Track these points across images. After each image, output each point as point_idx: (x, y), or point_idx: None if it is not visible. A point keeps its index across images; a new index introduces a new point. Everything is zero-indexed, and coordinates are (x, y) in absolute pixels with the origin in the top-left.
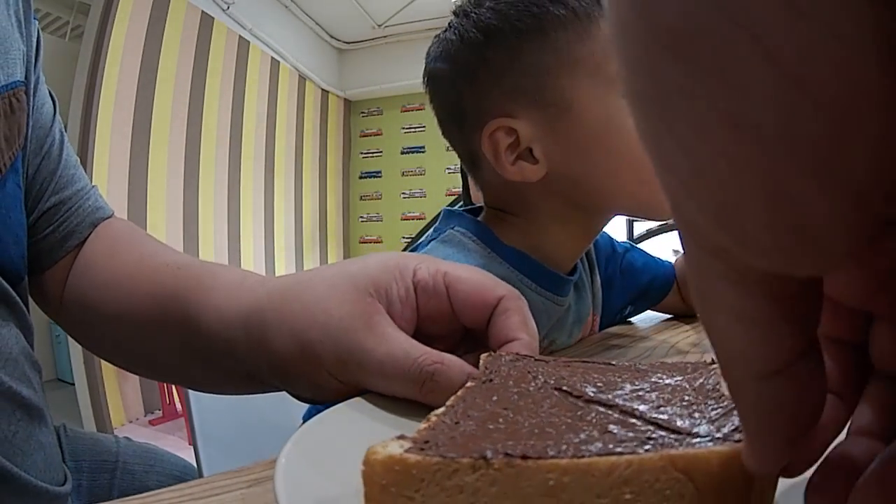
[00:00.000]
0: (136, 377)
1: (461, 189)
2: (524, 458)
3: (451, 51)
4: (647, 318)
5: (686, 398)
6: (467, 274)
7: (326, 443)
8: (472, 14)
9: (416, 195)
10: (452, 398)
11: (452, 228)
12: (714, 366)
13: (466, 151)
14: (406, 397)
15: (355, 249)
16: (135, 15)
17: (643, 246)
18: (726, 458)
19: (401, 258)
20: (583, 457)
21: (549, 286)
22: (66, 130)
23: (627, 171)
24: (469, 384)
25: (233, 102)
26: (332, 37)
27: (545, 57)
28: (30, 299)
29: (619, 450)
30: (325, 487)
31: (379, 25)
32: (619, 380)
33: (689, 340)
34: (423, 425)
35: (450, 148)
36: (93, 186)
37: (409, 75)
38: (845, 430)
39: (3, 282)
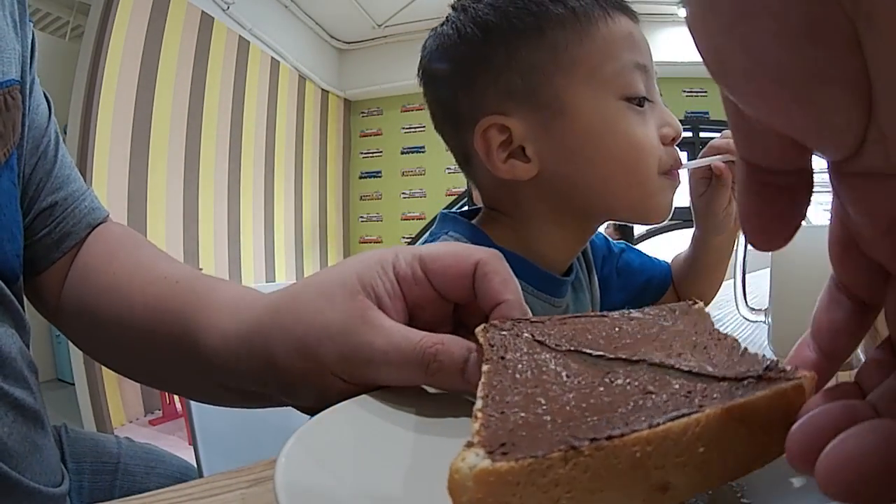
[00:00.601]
0: None
1: (463, 189)
2: (609, 438)
3: (447, 46)
4: None
5: (695, 340)
6: (441, 250)
7: (326, 442)
8: (471, 9)
9: (416, 195)
10: (481, 388)
11: (447, 234)
12: (697, 305)
13: (459, 148)
14: (415, 384)
15: (355, 249)
16: (135, 15)
17: (642, 246)
18: (770, 401)
19: (380, 254)
20: (658, 424)
21: (544, 287)
22: (65, 131)
23: (620, 174)
24: (485, 368)
25: (233, 102)
26: (332, 37)
27: (542, 56)
28: (25, 300)
29: (684, 410)
30: (325, 487)
31: (379, 25)
32: (624, 331)
33: None
34: (474, 425)
35: None
36: (88, 188)
37: (409, 75)
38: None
39: (1, 283)
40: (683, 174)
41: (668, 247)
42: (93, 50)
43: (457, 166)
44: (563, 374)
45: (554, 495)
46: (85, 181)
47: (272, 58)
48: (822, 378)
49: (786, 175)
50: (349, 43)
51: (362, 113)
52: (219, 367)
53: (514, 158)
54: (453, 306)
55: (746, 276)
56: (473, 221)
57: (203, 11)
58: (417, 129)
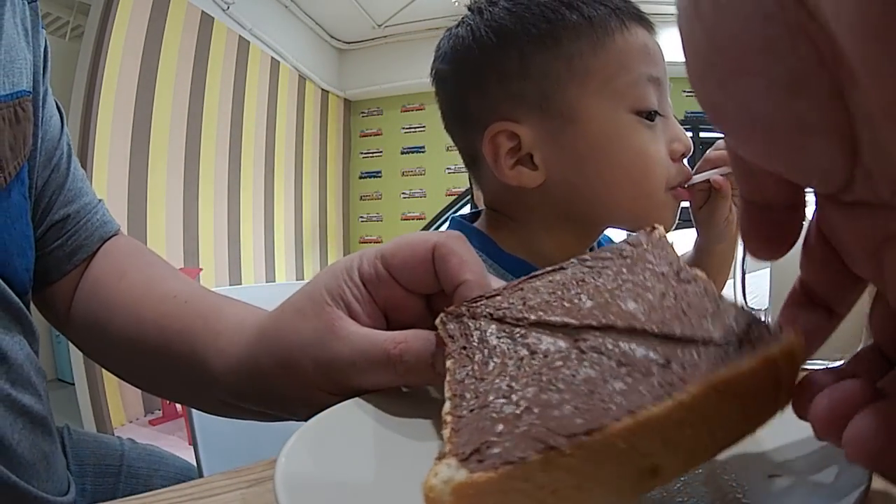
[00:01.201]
0: None
1: (463, 189)
2: (589, 433)
3: (460, 48)
4: None
5: (663, 289)
6: (400, 243)
7: (326, 443)
8: (486, 12)
9: (416, 195)
10: (448, 388)
11: None
12: (656, 232)
13: (467, 149)
14: (393, 385)
15: (355, 249)
16: (135, 15)
17: None
18: (758, 370)
19: (346, 261)
20: (639, 410)
21: None
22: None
23: (626, 186)
24: (448, 363)
25: (233, 102)
26: (332, 37)
27: (556, 65)
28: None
29: (666, 391)
30: (325, 487)
31: (379, 25)
32: (586, 288)
33: None
34: (445, 432)
35: (450, 148)
36: (99, 200)
37: (409, 75)
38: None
39: (9, 291)
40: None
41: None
42: (93, 50)
43: (457, 166)
44: (530, 354)
45: (539, 497)
46: None
47: (272, 58)
48: None
49: (782, 208)
50: (349, 43)
51: (362, 113)
52: (223, 387)
53: (521, 165)
54: (427, 300)
55: (746, 276)
56: (476, 224)
57: (203, 11)
58: (417, 129)
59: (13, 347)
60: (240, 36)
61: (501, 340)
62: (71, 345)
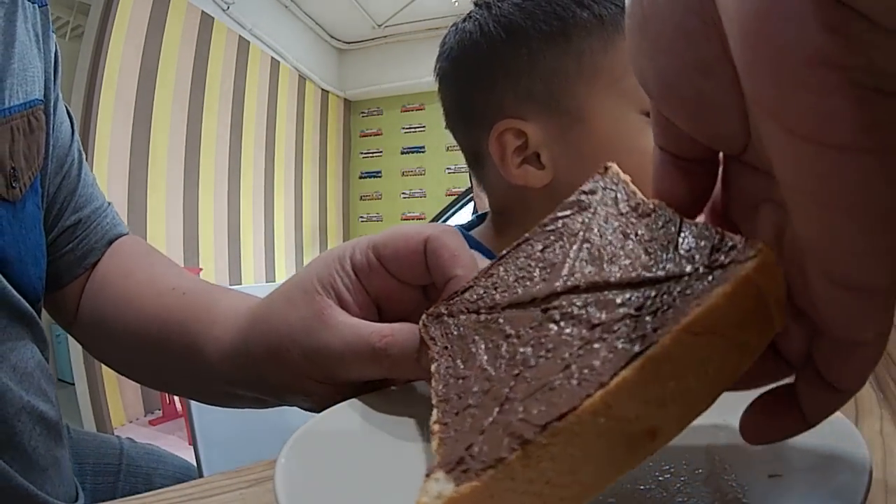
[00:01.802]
0: None
1: (463, 189)
2: (561, 417)
3: (467, 43)
4: None
5: (623, 229)
6: (393, 233)
7: (326, 443)
8: (495, 7)
9: (416, 195)
10: (433, 394)
11: None
12: (610, 170)
13: (471, 148)
14: (380, 377)
15: None
16: (135, 15)
17: None
18: (735, 297)
19: (339, 249)
20: (611, 379)
21: None
22: None
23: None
24: (433, 368)
25: (233, 102)
26: (332, 37)
27: (566, 63)
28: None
29: (636, 347)
30: (325, 487)
31: (379, 25)
32: (549, 248)
33: None
34: (434, 443)
35: (450, 148)
36: (109, 204)
37: (409, 75)
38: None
39: (23, 301)
40: None
41: None
42: (93, 50)
43: (457, 166)
44: (505, 340)
45: (534, 490)
46: None
47: (272, 58)
48: None
49: (693, 162)
50: (349, 43)
51: (362, 113)
52: (222, 376)
53: (528, 164)
54: (422, 291)
55: None
56: (473, 232)
57: (203, 11)
58: (417, 129)
59: (25, 355)
60: (240, 36)
61: (478, 333)
62: (71, 345)
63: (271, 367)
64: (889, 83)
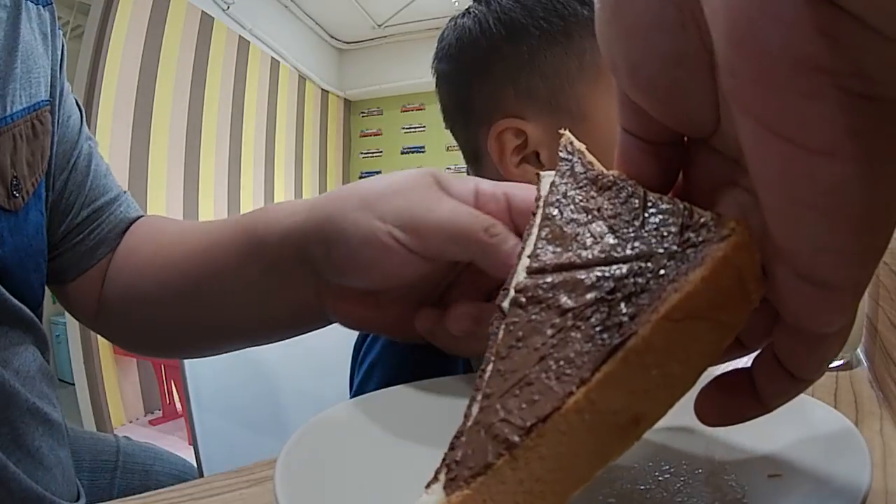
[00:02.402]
0: (137, 377)
1: None
2: (545, 419)
3: (466, 39)
4: None
5: (584, 204)
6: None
7: (326, 443)
8: (494, 3)
9: None
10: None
11: None
12: (573, 146)
13: (469, 145)
14: (461, 258)
15: None
16: (135, 15)
17: None
18: (714, 279)
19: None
20: (592, 375)
21: None
22: None
23: None
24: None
25: (233, 102)
26: (332, 37)
27: (567, 62)
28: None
29: (615, 338)
30: (324, 487)
31: (379, 25)
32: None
33: None
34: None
35: (450, 148)
36: (124, 192)
37: (409, 75)
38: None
39: (25, 309)
40: None
41: None
42: (93, 50)
43: (457, 166)
44: (493, 341)
45: (525, 489)
46: None
47: (272, 58)
48: None
49: (658, 145)
50: (349, 43)
51: (362, 113)
52: (281, 261)
53: (527, 163)
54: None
55: None
56: None
57: (203, 11)
58: (417, 129)
59: (27, 359)
60: (240, 36)
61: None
62: (71, 345)
63: (349, 217)
64: (877, 89)
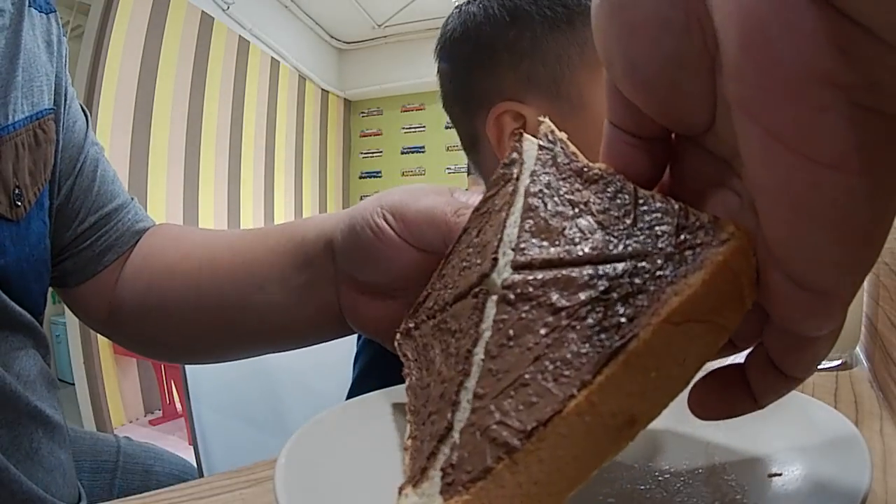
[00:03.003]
0: (137, 377)
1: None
2: (546, 423)
3: (470, 25)
4: None
5: (571, 197)
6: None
7: (326, 443)
8: None
9: None
10: (408, 413)
11: None
12: (554, 137)
13: (468, 131)
14: (436, 225)
15: None
16: (135, 15)
17: None
18: (713, 284)
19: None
20: (594, 377)
21: None
22: None
23: None
24: (406, 384)
25: (233, 102)
26: (332, 37)
27: (569, 50)
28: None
29: (615, 341)
30: (324, 487)
31: (379, 25)
32: (491, 236)
33: None
34: (406, 459)
35: (450, 148)
36: (132, 199)
37: (409, 75)
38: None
39: (26, 314)
40: None
41: None
42: (93, 50)
43: (457, 166)
44: (453, 337)
45: (523, 492)
46: None
47: (272, 58)
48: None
49: (647, 140)
50: (349, 43)
51: (362, 113)
52: (316, 257)
53: None
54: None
55: None
56: None
57: (203, 11)
58: (417, 129)
59: (28, 363)
60: (240, 36)
61: (435, 338)
62: (71, 345)
63: (371, 217)
64: (888, 103)
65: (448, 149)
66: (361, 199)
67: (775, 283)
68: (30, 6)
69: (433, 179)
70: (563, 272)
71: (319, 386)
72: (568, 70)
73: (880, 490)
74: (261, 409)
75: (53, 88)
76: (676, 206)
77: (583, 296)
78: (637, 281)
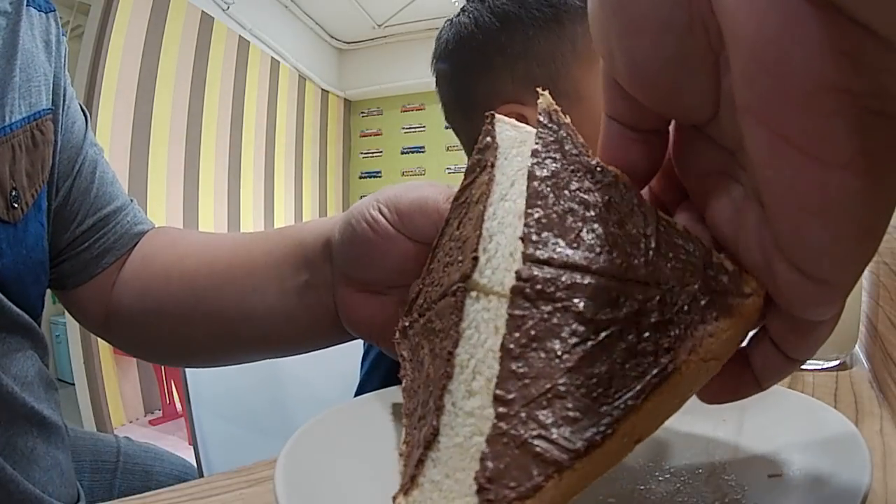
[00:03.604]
0: (137, 377)
1: None
2: (602, 441)
3: (464, 34)
4: None
5: (580, 200)
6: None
7: (326, 442)
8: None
9: None
10: (404, 416)
11: None
12: (544, 109)
13: (471, 138)
14: (427, 213)
15: None
16: (135, 15)
17: None
18: (735, 330)
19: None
20: (642, 403)
21: None
22: None
23: None
24: (402, 385)
25: (233, 102)
26: (332, 37)
27: (560, 47)
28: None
29: (654, 370)
30: (324, 487)
31: (379, 25)
32: (465, 229)
33: None
34: (401, 467)
35: (450, 148)
36: (131, 201)
37: (409, 75)
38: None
39: (24, 314)
40: None
41: None
42: (93, 50)
43: (457, 166)
44: (437, 336)
45: (551, 500)
46: None
47: (272, 58)
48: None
49: (646, 132)
50: (349, 43)
51: (362, 113)
52: (315, 257)
53: None
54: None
55: None
56: None
57: (203, 11)
58: (417, 129)
59: (26, 364)
60: (240, 36)
61: (424, 338)
62: (71, 345)
63: (368, 211)
64: (894, 106)
65: (448, 149)
66: (361, 198)
67: (782, 272)
68: (28, 5)
69: (433, 179)
70: (588, 280)
71: (319, 385)
72: (563, 67)
73: (880, 490)
74: (261, 409)
75: (52, 89)
76: (701, 245)
77: (612, 313)
78: (665, 311)
